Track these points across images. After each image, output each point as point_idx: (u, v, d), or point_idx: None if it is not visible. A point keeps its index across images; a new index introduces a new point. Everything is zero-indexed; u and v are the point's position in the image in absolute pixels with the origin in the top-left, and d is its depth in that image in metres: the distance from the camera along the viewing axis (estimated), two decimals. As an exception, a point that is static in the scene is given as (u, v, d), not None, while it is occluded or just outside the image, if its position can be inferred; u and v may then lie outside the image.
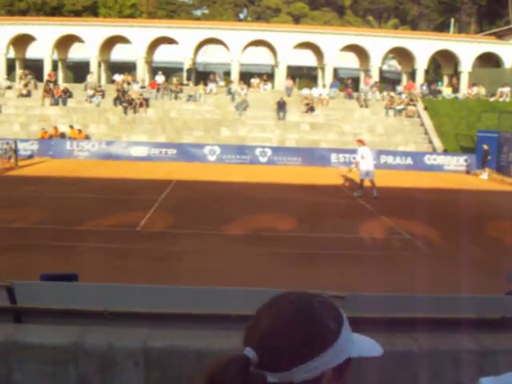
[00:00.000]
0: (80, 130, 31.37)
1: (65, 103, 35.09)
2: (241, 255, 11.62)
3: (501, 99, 37.03)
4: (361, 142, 20.40)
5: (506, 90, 37.36)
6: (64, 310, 3.81)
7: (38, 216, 14.79)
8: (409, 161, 30.69)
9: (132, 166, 26.81)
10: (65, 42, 41.37)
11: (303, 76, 55.13)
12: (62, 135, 31.50)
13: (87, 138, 31.58)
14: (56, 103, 34.97)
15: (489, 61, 42.16)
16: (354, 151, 30.84)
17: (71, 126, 31.53)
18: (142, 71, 40.51)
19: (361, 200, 19.22)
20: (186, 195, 19.10)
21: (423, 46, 40.81)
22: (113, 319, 3.70)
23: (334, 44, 40.46)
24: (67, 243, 11.99)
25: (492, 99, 37.25)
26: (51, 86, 36.18)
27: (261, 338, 1.28)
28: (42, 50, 39.63)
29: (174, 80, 38.21)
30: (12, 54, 41.43)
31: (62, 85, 37.38)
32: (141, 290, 4.15)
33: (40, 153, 29.55)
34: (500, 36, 43.34)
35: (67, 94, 35.58)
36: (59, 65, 43.05)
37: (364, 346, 1.35)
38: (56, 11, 55.03)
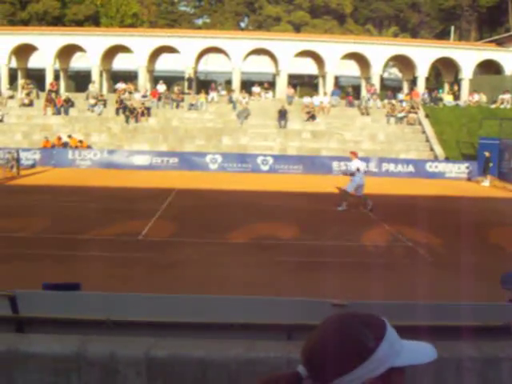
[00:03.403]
0: (81, 141, 31.41)
1: (67, 112, 35.19)
2: (242, 263, 11.62)
3: (502, 106, 37.07)
4: (353, 154, 20.08)
5: (507, 96, 37.40)
6: (66, 319, 3.82)
7: (40, 225, 14.80)
8: (410, 168, 30.68)
9: (134, 174, 26.83)
10: (66, 52, 41.46)
11: (304, 84, 55.21)
12: (65, 144, 31.54)
13: (89, 147, 31.62)
14: (58, 112, 35.06)
15: (489, 68, 42.20)
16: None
17: (69, 136, 31.57)
18: (143, 80, 40.59)
19: (362, 207, 19.19)
20: (188, 204, 19.10)
21: (424, 54, 40.86)
22: (115, 328, 3.70)
23: (334, 52, 40.51)
24: (70, 252, 11.99)
25: (493, 106, 37.29)
26: (53, 95, 36.28)
27: (308, 356, 1.49)
28: (43, 59, 39.72)
29: (176, 89, 38.28)
30: (14, 63, 41.51)
31: (63, 94, 37.46)
32: (143, 298, 4.15)
33: (42, 162, 29.59)
34: (500, 43, 43.39)
35: (69, 103, 35.66)
36: (61, 74, 43.13)
37: (413, 354, 1.53)
38: (58, 21, 55.31)
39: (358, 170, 19.07)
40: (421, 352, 1.54)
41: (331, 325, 1.52)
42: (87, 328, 3.76)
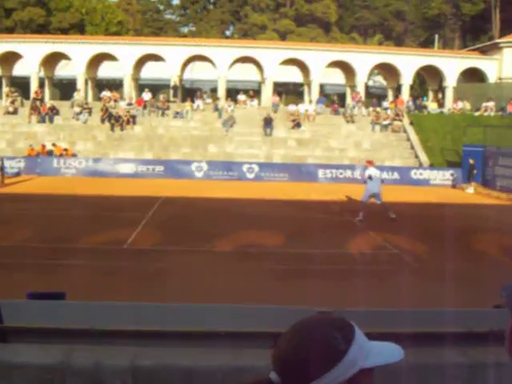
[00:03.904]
0: (66, 149, 31.28)
1: (51, 120, 35.03)
2: (228, 271, 11.59)
3: (485, 114, 37.38)
4: (369, 163, 20.04)
5: (491, 104, 37.72)
6: (51, 328, 3.79)
7: (24, 234, 14.70)
8: (395, 175, 30.82)
9: (119, 182, 26.75)
10: (51, 60, 41.32)
11: (289, 92, 55.37)
12: (50, 153, 31.38)
13: (74, 155, 31.49)
14: (43, 120, 34.90)
15: (473, 76, 42.58)
16: (340, 166, 31.08)
17: (54, 144, 31.43)
18: (128, 88, 40.50)
19: (348, 215, 19.24)
20: (174, 212, 19.06)
21: (408, 62, 41.16)
22: (100, 337, 3.68)
23: (319, 60, 40.69)
24: (54, 261, 11.91)
25: (477, 114, 37.59)
26: (38, 103, 36.13)
27: (280, 362, 1.48)
28: (28, 67, 39.56)
29: (161, 97, 38.26)
30: (-2, 71, 41.35)
31: (48, 102, 37.34)
32: (128, 307, 4.13)
33: (27, 170, 29.44)
34: (484, 51, 43.81)
35: (54, 111, 35.51)
36: (46, 82, 42.97)
37: (381, 354, 1.53)
38: (43, 29, 55.10)
39: (369, 177, 19.01)
40: (388, 352, 1.54)
41: (302, 330, 1.51)
42: (72, 337, 3.73)
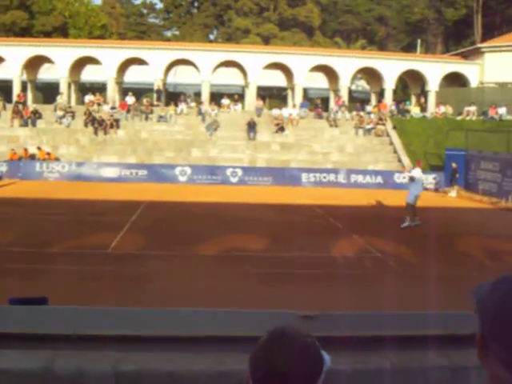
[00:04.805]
0: (49, 153, 31.07)
1: (34, 124, 34.77)
2: (212, 275, 11.58)
3: (467, 118, 37.67)
4: (417, 163, 19.66)
5: (473, 108, 38.03)
6: (33, 334, 3.76)
7: (6, 238, 14.58)
8: (379, 179, 30.95)
9: (103, 187, 26.63)
10: (34, 63, 41.06)
11: (273, 96, 55.47)
12: (32, 157, 31.17)
13: (57, 159, 31.30)
14: (25, 124, 34.64)
15: (455, 80, 42.94)
16: (324, 170, 31.17)
17: (39, 148, 31.23)
18: (112, 92, 40.37)
19: (331, 219, 19.28)
20: (157, 216, 19.00)
21: (391, 66, 41.43)
22: (83, 343, 3.66)
23: (303, 64, 40.82)
24: (37, 266, 11.83)
25: (459, 118, 37.89)
26: (20, 106, 35.87)
27: (274, 377, 1.46)
28: (11, 70, 39.29)
29: (145, 101, 38.14)
30: (-20, 75, 41.07)
31: (31, 106, 37.06)
32: (112, 312, 4.11)
33: (9, 174, 29.21)
34: (466, 56, 44.23)
35: (36, 115, 35.28)
36: (28, 86, 42.66)
37: (326, 358, 1.55)
38: (25, 32, 54.75)
39: (411, 178, 18.71)
40: (326, 356, 1.57)
41: (293, 345, 1.50)
42: (55, 343, 3.70)
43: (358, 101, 44.91)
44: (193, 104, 39.89)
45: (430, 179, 30.91)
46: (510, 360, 1.26)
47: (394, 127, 36.38)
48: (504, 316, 1.27)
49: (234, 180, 30.35)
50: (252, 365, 1.53)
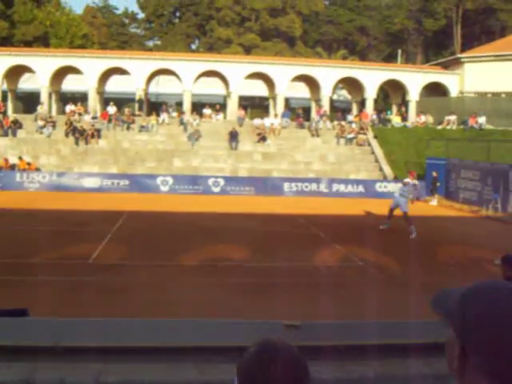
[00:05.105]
0: (29, 163, 30.82)
1: (14, 134, 34.51)
2: (194, 286, 11.53)
3: (448, 127, 38.05)
4: (410, 174, 20.44)
5: (453, 118, 38.41)
6: (14, 346, 3.72)
7: (-14, 250, 14.41)
8: (360, 188, 31.08)
9: (84, 197, 26.45)
10: (15, 72, 40.84)
11: (255, 106, 55.62)
12: (12, 167, 30.92)
13: (38, 169, 31.07)
14: (5, 134, 34.38)
15: (435, 90, 43.35)
16: (306, 180, 31.23)
17: (20, 158, 31.00)
18: (93, 102, 40.24)
19: (313, 228, 19.30)
20: (139, 226, 18.92)
21: (372, 76, 41.75)
22: (64, 354, 3.62)
23: (285, 74, 41.01)
24: (17, 277, 11.71)
25: (439, 127, 38.26)
26: (0, 116, 35.63)
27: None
28: (-10, 80, 39.05)
29: (126, 111, 38.05)
30: (-41, 84, 40.70)
31: (11, 115, 36.82)
32: (93, 323, 4.08)
33: (-12, 185, 28.94)
34: (446, 66, 44.71)
35: (17, 124, 35.03)
36: (9, 95, 42.39)
37: None
38: (6, 41, 54.40)
39: (404, 184, 19.58)
40: None
41: (283, 355, 1.53)
42: (35, 355, 3.67)
43: (339, 110, 45.15)
44: (174, 114, 39.89)
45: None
46: (494, 373, 1.19)
47: (375, 136, 36.61)
48: (489, 327, 1.21)
49: (215, 190, 30.30)
50: (241, 374, 1.52)
